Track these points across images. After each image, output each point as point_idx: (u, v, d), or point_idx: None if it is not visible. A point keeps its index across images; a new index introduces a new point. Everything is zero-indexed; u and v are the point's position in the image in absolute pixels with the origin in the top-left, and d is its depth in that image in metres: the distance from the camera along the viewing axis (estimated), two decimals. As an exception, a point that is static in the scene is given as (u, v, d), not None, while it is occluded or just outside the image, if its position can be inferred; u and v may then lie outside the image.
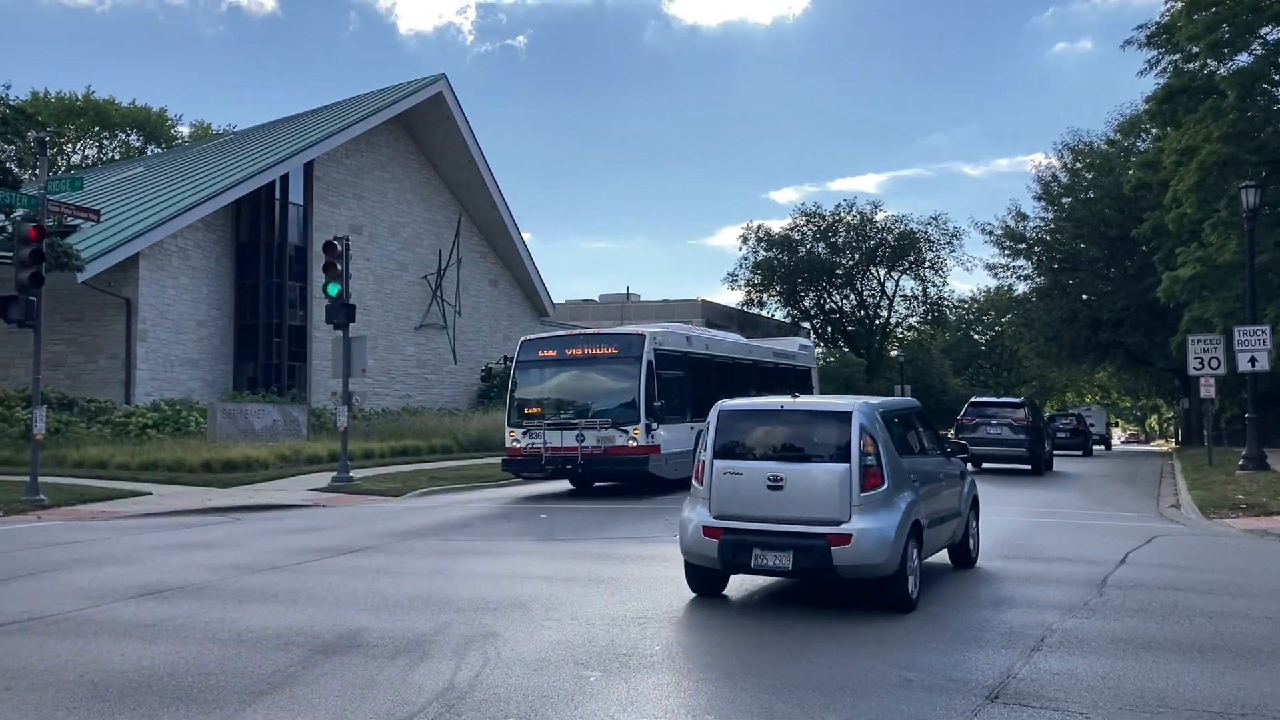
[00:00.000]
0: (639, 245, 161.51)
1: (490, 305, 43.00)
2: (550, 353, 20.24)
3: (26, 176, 25.42)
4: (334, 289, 21.54)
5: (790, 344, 29.67)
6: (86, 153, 62.68)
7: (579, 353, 20.09)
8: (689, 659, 6.92)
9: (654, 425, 18.98)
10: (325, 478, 21.77)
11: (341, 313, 21.58)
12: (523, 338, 21.53)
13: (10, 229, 23.78)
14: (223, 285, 32.07)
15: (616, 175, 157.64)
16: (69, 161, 59.22)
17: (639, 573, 10.47)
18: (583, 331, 21.94)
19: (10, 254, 21.61)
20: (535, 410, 19.82)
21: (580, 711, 5.70)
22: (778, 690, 6.11)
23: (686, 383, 20.78)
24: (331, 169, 35.51)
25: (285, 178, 33.35)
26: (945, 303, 70.61)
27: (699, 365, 21.73)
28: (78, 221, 24.28)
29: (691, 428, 19.51)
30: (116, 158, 60.12)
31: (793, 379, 27.46)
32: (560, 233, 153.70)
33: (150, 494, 19.06)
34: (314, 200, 34.62)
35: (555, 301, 48.12)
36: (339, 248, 21.67)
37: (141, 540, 13.32)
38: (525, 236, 44.11)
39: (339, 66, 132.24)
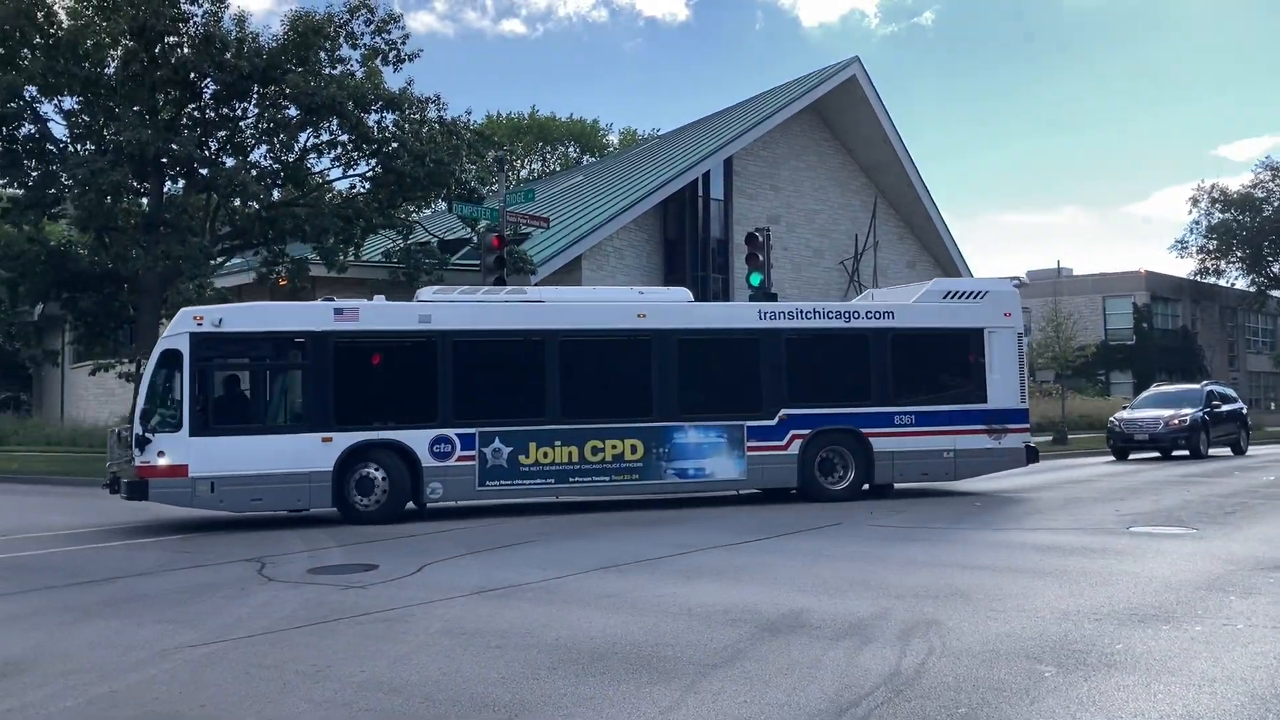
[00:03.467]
0: (1067, 216, 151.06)
1: (909, 288, 42.16)
2: None
3: (485, 192, 28.54)
4: (756, 279, 22.19)
5: (902, 292, 18.42)
6: (532, 166, 69.21)
7: None
8: (1156, 660, 6.36)
9: (150, 437, 13.80)
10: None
11: (764, 301, 22.17)
12: None
13: (476, 239, 26.84)
14: (654, 280, 34.00)
15: (1038, 144, 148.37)
16: (518, 175, 65.64)
17: (1088, 565, 9.80)
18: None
19: (474, 262, 24.38)
20: None
21: (1037, 708, 5.43)
22: (1268, 701, 5.46)
23: (316, 379, 14.57)
24: (749, 163, 36.57)
25: (707, 175, 34.79)
26: None
27: (353, 351, 14.82)
28: (529, 229, 26.87)
29: (327, 439, 14.31)
30: (557, 169, 65.80)
31: (878, 355, 16.68)
32: (980, 208, 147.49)
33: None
34: (733, 194, 35.83)
35: (978, 280, 46.29)
36: (760, 238, 22.32)
37: (591, 518, 14.52)
38: (943, 215, 42.82)
39: (749, 65, 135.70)
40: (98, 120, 25.29)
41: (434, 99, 26.93)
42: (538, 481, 15.16)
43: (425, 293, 16.02)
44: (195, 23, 24.67)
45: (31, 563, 11.72)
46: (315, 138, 26.78)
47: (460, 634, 7.37)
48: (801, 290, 37.45)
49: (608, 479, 15.39)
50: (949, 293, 17.45)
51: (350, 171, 27.59)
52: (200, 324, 14.11)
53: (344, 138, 26.43)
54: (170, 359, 14.06)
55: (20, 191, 25.38)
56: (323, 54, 25.78)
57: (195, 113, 26.06)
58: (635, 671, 6.24)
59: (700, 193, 34.82)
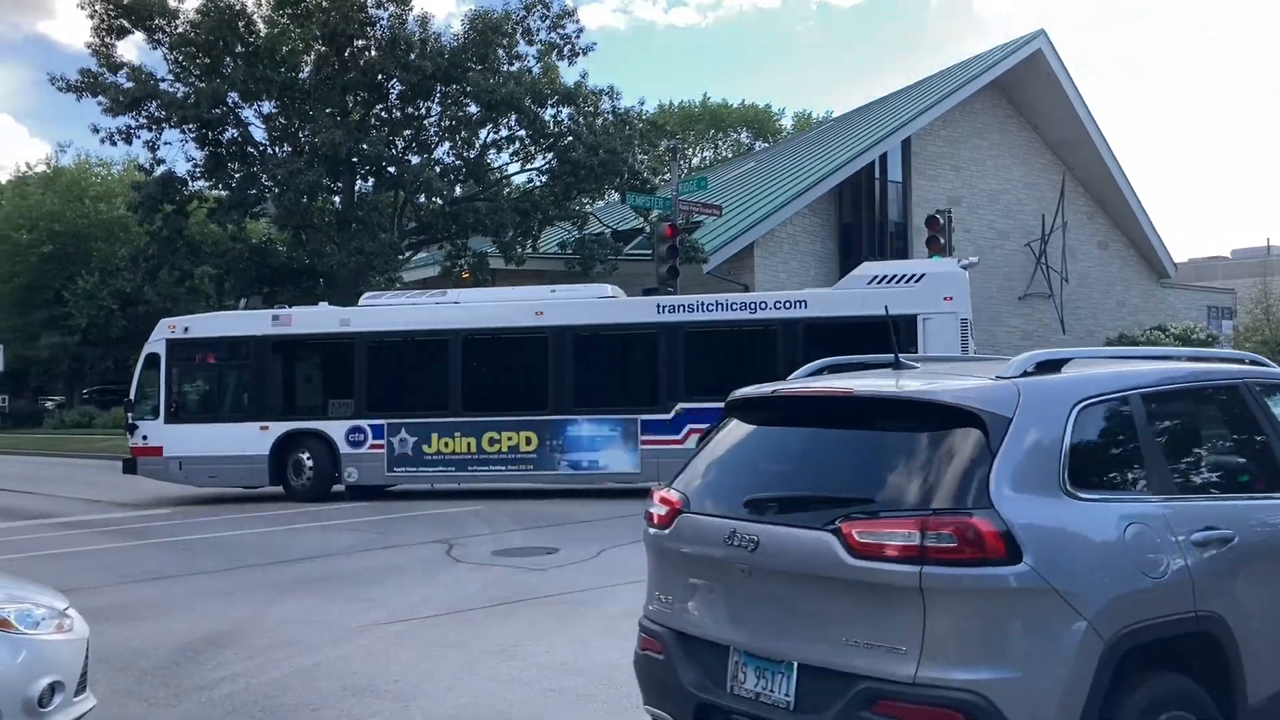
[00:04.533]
0: (1276, 191, 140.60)
1: (1100, 270, 40.11)
2: None
3: (658, 181, 28.68)
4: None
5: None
6: (704, 154, 69.25)
7: None
8: None
9: (137, 424, 17.05)
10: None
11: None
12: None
13: (649, 229, 27.01)
14: (828, 266, 33.46)
15: (1241, 111, 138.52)
16: (689, 164, 65.77)
17: None
18: None
19: (647, 252, 24.53)
20: None
21: None
22: None
23: (256, 376, 17.08)
24: (928, 143, 35.48)
25: (884, 157, 33.97)
26: None
27: (285, 351, 17.28)
28: (702, 218, 26.85)
29: (264, 428, 16.56)
30: (729, 156, 65.61)
31: (788, 346, 15.41)
32: (1181, 183, 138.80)
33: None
34: (912, 176, 34.87)
35: (1176, 261, 43.63)
36: (941, 221, 21.67)
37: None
38: (1138, 191, 40.52)
39: (923, 46, 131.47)
40: (294, 123, 26.66)
41: (608, 91, 27.22)
42: (440, 469, 16.36)
43: (364, 298, 17.86)
44: (381, 26, 25.66)
45: (234, 542, 12.48)
46: (495, 134, 27.48)
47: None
48: (985, 274, 36.09)
49: (504, 468, 16.21)
50: (876, 277, 15.86)
51: (527, 165, 28.19)
52: (174, 331, 17.17)
53: (521, 133, 27.02)
54: (152, 360, 17.03)
55: (225, 193, 27.03)
56: (501, 51, 26.38)
57: (383, 113, 27.13)
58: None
59: (877, 175, 34.06)
